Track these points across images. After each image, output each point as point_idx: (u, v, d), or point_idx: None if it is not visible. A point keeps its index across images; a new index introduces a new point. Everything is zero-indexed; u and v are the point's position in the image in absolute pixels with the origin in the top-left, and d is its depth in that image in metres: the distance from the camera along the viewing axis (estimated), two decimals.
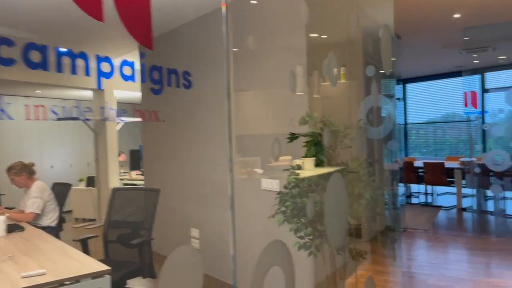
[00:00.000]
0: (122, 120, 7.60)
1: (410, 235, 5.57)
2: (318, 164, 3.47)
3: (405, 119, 11.20)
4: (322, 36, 4.62)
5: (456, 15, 5.06)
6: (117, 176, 7.50)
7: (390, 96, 5.93)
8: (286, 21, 3.93)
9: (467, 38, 6.01)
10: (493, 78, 9.09)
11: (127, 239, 3.09)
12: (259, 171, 4.07)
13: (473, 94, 5.81)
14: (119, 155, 7.95)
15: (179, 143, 4.77)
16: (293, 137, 3.24)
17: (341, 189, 2.36)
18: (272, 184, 3.64)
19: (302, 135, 3.41)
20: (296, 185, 3.05)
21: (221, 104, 4.11)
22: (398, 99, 11.33)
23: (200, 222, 4.37)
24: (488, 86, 8.95)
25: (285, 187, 3.01)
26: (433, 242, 5.26)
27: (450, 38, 6.21)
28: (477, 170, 6.09)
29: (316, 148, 3.55)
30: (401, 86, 11.12)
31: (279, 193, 3.01)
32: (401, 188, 8.62)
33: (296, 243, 2.77)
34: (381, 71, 2.58)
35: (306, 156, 3.61)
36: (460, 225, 6.21)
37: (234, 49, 4.44)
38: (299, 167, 3.31)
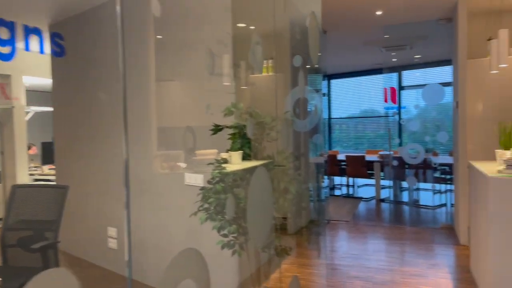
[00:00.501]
0: (33, 109, 6.90)
1: (333, 227, 5.71)
2: (245, 157, 3.35)
3: (329, 113, 11.58)
4: (250, 27, 4.50)
5: (378, 12, 5.22)
6: (26, 171, 6.81)
7: (317, 91, 6.01)
8: (212, 9, 3.75)
9: (388, 36, 6.26)
10: (409, 76, 9.68)
11: (29, 243, 2.73)
12: (183, 165, 3.86)
13: (393, 90, 6.08)
14: (30, 148, 7.22)
15: (94, 136, 4.39)
16: (217, 129, 3.08)
17: (266, 184, 2.26)
18: (196, 179, 3.45)
19: (227, 127, 3.26)
20: (220, 180, 2.90)
21: (142, 94, 3.82)
22: (324, 94, 11.67)
23: (119, 221, 4.06)
24: (404, 83, 9.50)
25: (208, 182, 2.84)
26: (354, 233, 5.43)
27: (372, 35, 6.43)
28: (395, 163, 6.40)
29: (242, 140, 3.43)
30: (326, 81, 11.45)
31: (202, 188, 2.84)
32: (325, 181, 8.87)
33: (219, 241, 2.63)
34: (308, 66, 2.50)
35: (231, 149, 3.48)
36: (379, 215, 6.50)
37: (158, 36, 4.16)
38: (225, 161, 3.17)
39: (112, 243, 4.11)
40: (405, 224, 5.89)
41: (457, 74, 4.85)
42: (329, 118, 11.59)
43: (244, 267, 3.13)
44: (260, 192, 2.07)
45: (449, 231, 5.30)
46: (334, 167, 8.33)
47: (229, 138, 3.33)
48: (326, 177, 6.42)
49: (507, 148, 3.27)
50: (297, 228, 4.76)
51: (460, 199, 4.80)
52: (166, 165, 3.83)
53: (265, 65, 5.81)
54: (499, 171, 2.89)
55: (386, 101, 6.03)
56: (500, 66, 3.76)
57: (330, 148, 11.55)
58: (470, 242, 3.93)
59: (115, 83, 4.02)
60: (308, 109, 2.92)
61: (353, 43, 7.05)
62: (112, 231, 4.12)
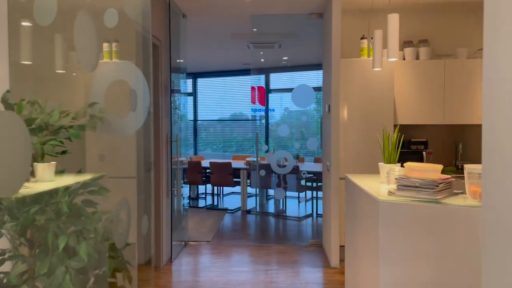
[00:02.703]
0: None
1: (191, 250, 4.74)
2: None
3: (195, 115, 10.65)
4: None
5: None
6: None
7: (177, 91, 5.00)
8: None
9: (256, 30, 5.57)
10: (277, 79, 9.31)
11: None
12: None
13: (261, 90, 5.39)
14: None
15: None
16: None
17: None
18: None
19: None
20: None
21: None
22: (190, 94, 10.70)
23: None
24: (272, 86, 9.09)
25: None
26: (215, 257, 4.55)
27: (240, 27, 5.67)
28: (262, 173, 5.74)
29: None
30: (191, 80, 10.50)
31: None
32: (186, 190, 7.89)
33: None
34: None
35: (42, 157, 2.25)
36: (244, 231, 5.76)
37: None
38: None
39: None
40: (271, 241, 5.23)
41: (329, 75, 4.33)
42: (195, 120, 10.66)
43: None
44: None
45: (319, 250, 4.78)
46: (197, 175, 7.40)
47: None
48: (183, 186, 5.45)
49: (392, 161, 2.71)
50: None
51: (330, 213, 4.28)
52: None
53: (107, 49, 4.56)
54: (390, 193, 2.26)
55: (254, 102, 5.31)
56: (391, 58, 3.24)
57: (195, 153, 10.61)
58: (346, 267, 3.34)
59: None
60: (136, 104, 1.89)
61: (220, 35, 6.21)
62: None
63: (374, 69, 3.21)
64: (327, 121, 4.51)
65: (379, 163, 2.77)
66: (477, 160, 4.89)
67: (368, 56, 4.26)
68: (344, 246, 4.09)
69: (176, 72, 4.86)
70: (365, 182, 2.77)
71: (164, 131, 4.20)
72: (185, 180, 7.40)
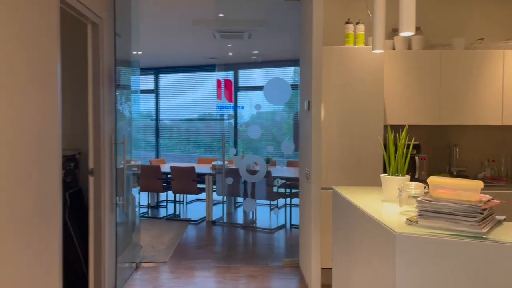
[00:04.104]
0: None
1: (142, 275, 3.94)
2: None
3: (157, 115, 9.77)
4: None
5: None
6: None
7: (125, 87, 4.20)
8: None
9: (222, 15, 4.82)
10: (246, 76, 8.59)
11: None
12: None
13: (228, 84, 4.64)
14: None
15: None
16: None
17: None
18: None
19: None
20: None
21: None
22: (152, 91, 9.81)
23: None
24: (241, 84, 8.36)
25: None
26: (173, 281, 3.77)
27: (204, 12, 4.90)
28: (229, 180, 5.02)
29: None
30: (153, 76, 9.61)
31: None
32: (144, 197, 7.03)
33: None
34: None
35: None
36: (208, 247, 4.99)
37: None
38: None
39: None
40: (240, 260, 4.49)
41: (309, 65, 3.65)
42: (157, 120, 9.78)
43: None
44: None
45: (295, 272, 4.08)
46: (156, 181, 6.56)
47: None
48: (137, 193, 4.65)
49: (400, 172, 2.03)
50: None
51: (310, 230, 3.58)
52: None
53: None
54: (409, 221, 1.58)
55: (219, 97, 4.55)
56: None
57: (157, 156, 9.73)
58: None
59: None
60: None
61: (180, 21, 5.40)
62: None
63: (374, 51, 2.54)
64: (306, 120, 3.83)
65: (382, 175, 2.09)
66: (473, 166, 4.36)
67: (354, 44, 3.60)
68: (328, 269, 3.43)
69: (124, 62, 4.06)
70: (362, 200, 2.09)
71: (106, 132, 3.38)
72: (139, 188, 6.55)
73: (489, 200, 1.54)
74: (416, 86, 3.75)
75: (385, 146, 2.33)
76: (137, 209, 4.74)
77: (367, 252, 1.88)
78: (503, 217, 1.63)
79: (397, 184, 1.95)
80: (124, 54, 4.12)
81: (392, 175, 2.04)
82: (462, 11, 4.06)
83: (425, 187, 1.76)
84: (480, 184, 1.52)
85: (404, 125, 3.69)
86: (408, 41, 3.81)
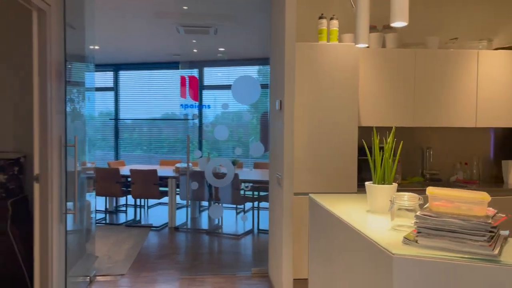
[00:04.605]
0: None
1: None
2: None
3: (117, 114, 9.25)
4: None
5: None
6: None
7: (78, 84, 3.82)
8: None
9: (186, 8, 4.51)
10: (211, 75, 8.28)
11: None
12: None
13: (194, 81, 4.33)
14: None
15: None
16: None
17: None
18: None
19: None
20: None
21: None
22: (111, 89, 9.30)
23: None
24: (206, 83, 8.04)
25: None
26: None
27: (166, 4, 4.56)
28: (194, 185, 4.72)
29: None
30: (112, 72, 9.10)
31: None
32: (100, 202, 6.57)
33: None
34: None
35: None
36: (171, 256, 4.66)
37: None
38: None
39: None
40: (206, 270, 4.19)
41: (281, 63, 3.41)
42: (117, 119, 9.27)
43: None
44: None
45: (264, 282, 3.83)
46: (115, 185, 6.14)
47: None
48: (92, 197, 4.26)
49: (387, 180, 1.82)
50: None
51: (282, 238, 3.34)
52: None
53: None
54: (407, 240, 1.36)
55: (184, 96, 4.24)
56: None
57: (117, 158, 9.23)
58: None
59: None
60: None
61: (141, 14, 5.03)
62: None
63: (358, 45, 2.32)
64: (277, 121, 3.59)
65: (367, 183, 1.88)
66: (446, 169, 4.27)
67: (328, 41, 3.40)
68: (300, 279, 3.21)
69: (78, 56, 3.68)
70: (345, 211, 1.86)
71: (54, 133, 3.00)
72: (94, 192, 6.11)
73: (494, 215, 1.34)
74: (390, 86, 3.60)
75: (365, 149, 2.12)
76: (92, 215, 4.35)
77: (354, 266, 1.65)
78: (506, 233, 1.44)
79: (384, 193, 1.74)
80: (78, 48, 3.74)
81: (378, 183, 1.83)
82: (437, 9, 3.95)
83: (419, 198, 1.55)
84: (487, 197, 1.32)
85: (377, 127, 3.52)
86: (383, 39, 3.65)
